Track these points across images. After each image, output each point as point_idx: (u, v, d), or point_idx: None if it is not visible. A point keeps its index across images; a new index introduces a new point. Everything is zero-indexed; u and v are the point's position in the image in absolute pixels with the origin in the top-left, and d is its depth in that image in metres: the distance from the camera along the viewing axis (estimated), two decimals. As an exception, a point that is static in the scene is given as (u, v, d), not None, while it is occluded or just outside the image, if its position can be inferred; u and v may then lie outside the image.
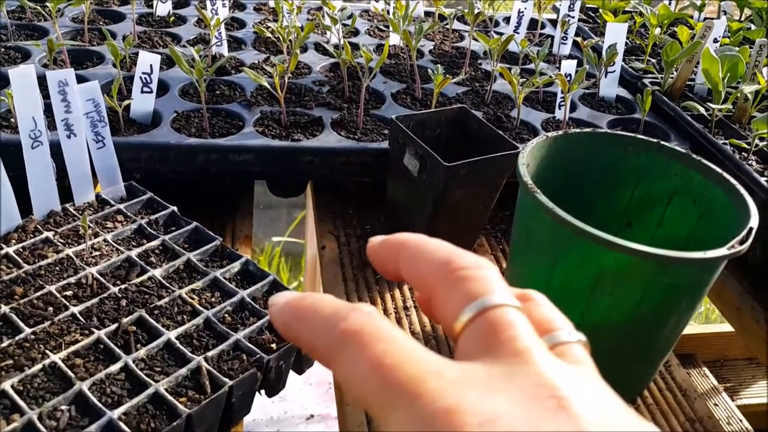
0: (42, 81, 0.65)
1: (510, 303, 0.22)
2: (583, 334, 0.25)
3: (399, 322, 0.77)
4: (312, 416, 1.60)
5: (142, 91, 0.88)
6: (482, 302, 0.22)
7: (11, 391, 0.49)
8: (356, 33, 1.29)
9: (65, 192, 0.70)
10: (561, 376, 0.20)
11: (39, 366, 0.51)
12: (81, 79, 0.70)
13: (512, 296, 0.23)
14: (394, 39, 1.23)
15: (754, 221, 0.60)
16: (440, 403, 0.19)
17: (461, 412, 0.18)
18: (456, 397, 0.19)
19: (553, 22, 1.44)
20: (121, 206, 0.72)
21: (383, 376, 0.20)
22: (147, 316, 0.58)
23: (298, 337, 0.23)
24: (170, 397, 0.51)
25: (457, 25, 1.39)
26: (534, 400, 0.19)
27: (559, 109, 1.04)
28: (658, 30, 1.30)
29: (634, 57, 1.31)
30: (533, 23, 1.40)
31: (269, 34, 1.10)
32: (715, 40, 1.21)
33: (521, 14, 1.29)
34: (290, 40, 1.05)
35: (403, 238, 0.26)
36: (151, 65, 0.87)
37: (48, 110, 0.68)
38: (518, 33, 1.29)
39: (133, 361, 0.53)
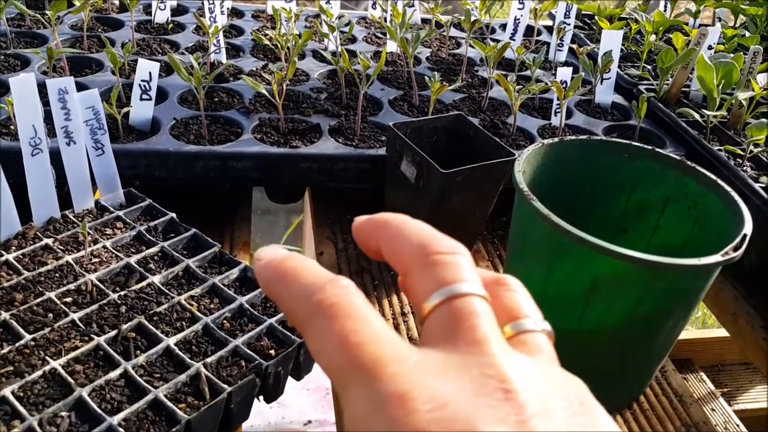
0: (41, 88, 0.66)
1: (476, 292, 0.23)
2: (548, 324, 0.25)
3: (397, 328, 0.77)
4: (310, 422, 1.60)
5: (141, 99, 0.89)
6: (450, 290, 0.23)
7: (12, 398, 0.49)
8: (354, 40, 1.30)
9: (65, 199, 0.71)
10: (513, 368, 0.21)
11: (39, 372, 0.52)
12: (80, 87, 0.71)
13: (480, 286, 0.24)
14: (391, 46, 1.24)
15: (748, 228, 0.60)
16: (395, 388, 0.20)
17: (413, 398, 0.19)
18: (411, 384, 0.20)
19: (549, 29, 1.45)
20: (121, 213, 0.72)
21: (348, 354, 0.21)
22: (146, 323, 0.58)
23: (276, 298, 0.24)
24: (169, 403, 0.51)
25: (453, 32, 1.40)
26: (483, 389, 0.20)
27: (555, 115, 1.05)
28: (653, 37, 1.31)
29: (629, 64, 1.32)
30: (529, 30, 1.41)
31: (267, 42, 1.11)
32: (710, 47, 1.23)
33: (517, 21, 1.30)
34: (288, 48, 1.06)
35: (386, 218, 0.26)
36: (150, 72, 0.88)
37: (48, 118, 0.68)
38: (514, 40, 1.30)
39: (133, 368, 0.54)
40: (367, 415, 0.20)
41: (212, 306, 0.62)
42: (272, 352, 0.58)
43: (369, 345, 0.21)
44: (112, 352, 0.55)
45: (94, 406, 0.50)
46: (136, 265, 0.65)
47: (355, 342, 0.21)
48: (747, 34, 1.37)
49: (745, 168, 0.95)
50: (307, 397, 1.65)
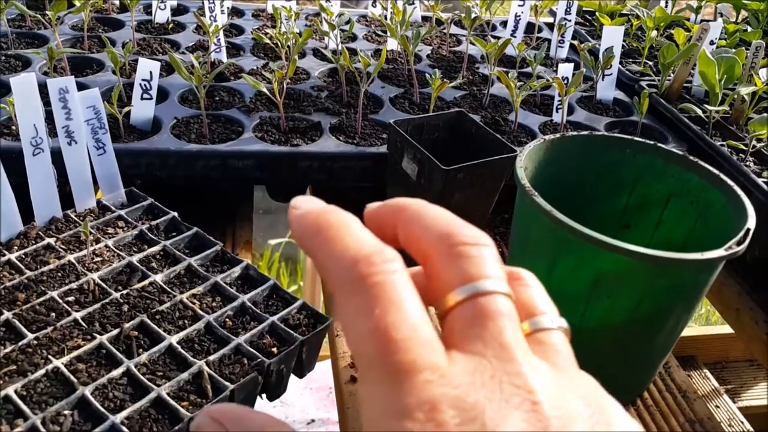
0: (42, 88, 0.66)
1: (502, 290, 0.22)
2: (564, 320, 0.25)
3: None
4: (313, 420, 1.60)
5: (142, 98, 0.89)
6: (475, 286, 0.22)
7: (15, 396, 0.49)
8: (354, 38, 1.30)
9: (66, 198, 0.71)
10: (538, 377, 0.21)
11: (42, 371, 0.52)
12: (81, 87, 0.71)
13: (505, 282, 0.23)
14: (392, 44, 1.24)
15: (751, 222, 0.60)
16: (425, 397, 0.19)
17: (442, 410, 0.19)
18: (441, 394, 0.19)
19: (550, 26, 1.45)
20: (122, 212, 0.72)
21: (382, 348, 0.20)
22: (148, 321, 0.58)
23: (311, 253, 0.23)
24: (172, 402, 0.51)
25: (454, 29, 1.40)
26: (511, 400, 0.20)
27: (557, 112, 1.05)
28: (654, 33, 1.31)
29: (631, 60, 1.32)
30: (530, 27, 1.40)
31: (267, 41, 1.10)
32: (712, 42, 1.22)
33: (518, 18, 1.30)
34: (288, 46, 1.06)
35: (402, 202, 0.25)
36: (150, 72, 0.88)
37: (49, 117, 0.68)
38: (515, 37, 1.30)
39: (135, 366, 0.54)
40: (389, 418, 0.19)
41: (214, 304, 0.62)
42: (274, 349, 0.58)
43: (406, 343, 0.20)
44: (114, 350, 0.55)
45: (97, 404, 0.50)
46: (138, 264, 0.65)
47: (392, 338, 0.20)
48: (749, 29, 1.36)
49: (747, 163, 0.94)
50: (310, 396, 1.65)
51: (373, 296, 0.20)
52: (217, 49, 1.11)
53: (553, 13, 1.43)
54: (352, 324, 0.21)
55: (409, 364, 0.20)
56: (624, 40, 1.26)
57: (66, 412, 0.49)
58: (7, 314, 0.57)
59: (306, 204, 0.24)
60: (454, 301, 0.22)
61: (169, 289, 0.63)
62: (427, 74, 0.97)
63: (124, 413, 0.49)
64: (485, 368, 0.20)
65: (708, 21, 1.30)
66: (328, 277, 0.22)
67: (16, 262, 0.63)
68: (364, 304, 0.20)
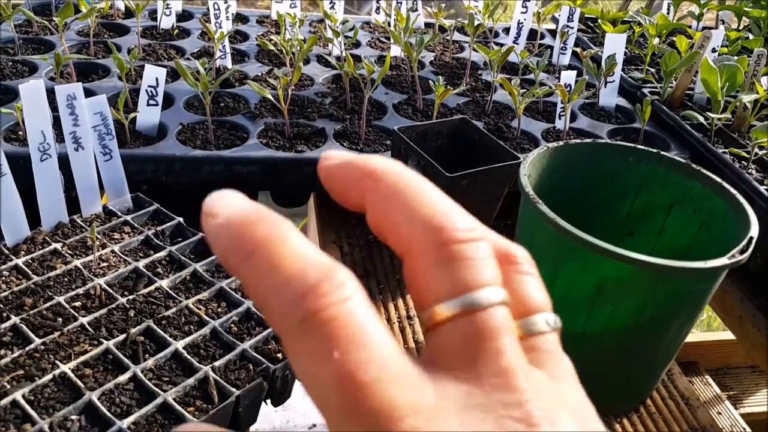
0: (49, 94, 0.66)
1: (498, 300, 0.19)
2: (558, 318, 0.22)
3: (402, 332, 0.78)
4: (314, 425, 1.60)
5: (148, 104, 0.89)
6: (470, 299, 0.19)
7: (22, 401, 0.50)
8: (358, 45, 1.30)
9: (73, 204, 0.71)
10: (539, 403, 0.18)
11: (49, 376, 0.52)
12: (87, 93, 0.71)
13: (500, 284, 0.19)
14: (395, 51, 1.24)
15: (754, 230, 0.60)
16: None
17: None
18: None
19: (553, 33, 1.46)
20: (128, 217, 0.73)
21: (353, 396, 0.16)
22: (155, 327, 0.59)
23: (239, 276, 0.18)
24: (178, 407, 0.51)
25: (457, 36, 1.41)
26: None
27: (560, 119, 1.05)
28: (656, 40, 1.31)
29: (633, 67, 1.32)
30: (533, 34, 1.41)
31: (272, 47, 1.11)
32: (714, 50, 1.23)
33: (521, 25, 1.30)
34: (293, 53, 1.07)
35: (373, 165, 0.20)
36: (156, 78, 0.88)
37: (55, 123, 0.69)
38: (518, 44, 1.30)
39: (142, 371, 0.54)
40: None
41: (220, 310, 0.63)
42: (279, 355, 0.58)
43: (381, 383, 0.16)
44: (121, 356, 0.55)
45: (104, 409, 0.50)
46: (144, 270, 0.66)
47: (362, 381, 0.16)
48: (750, 36, 1.37)
49: (749, 170, 0.95)
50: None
51: (329, 335, 0.17)
52: (222, 56, 1.12)
53: (555, 20, 1.44)
54: (308, 372, 0.17)
55: (386, 411, 0.16)
56: (626, 48, 1.27)
57: (73, 417, 0.50)
58: (15, 319, 0.57)
59: (225, 208, 0.19)
60: (444, 316, 0.19)
61: (174, 295, 0.63)
62: (430, 81, 0.98)
63: (131, 418, 0.50)
64: (479, 398, 0.18)
65: (710, 28, 1.31)
66: (269, 316, 0.17)
67: (23, 267, 0.64)
68: (319, 346, 0.16)
